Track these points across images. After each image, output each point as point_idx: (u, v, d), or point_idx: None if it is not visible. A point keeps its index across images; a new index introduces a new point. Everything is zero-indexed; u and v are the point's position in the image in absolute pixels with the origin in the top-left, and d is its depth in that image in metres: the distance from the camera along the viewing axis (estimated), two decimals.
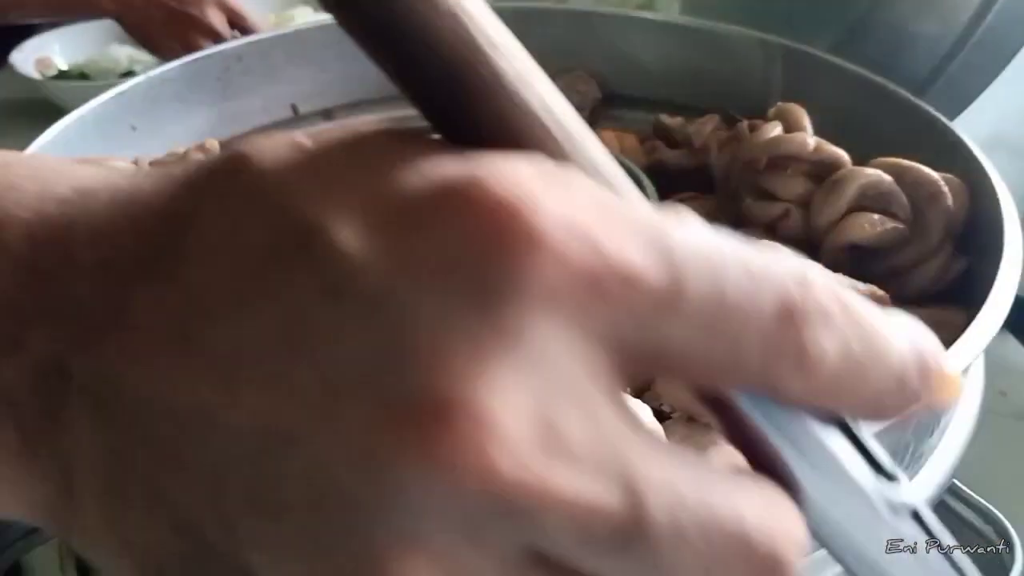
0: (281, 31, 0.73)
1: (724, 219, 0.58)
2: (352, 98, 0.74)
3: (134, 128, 0.63)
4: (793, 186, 0.52)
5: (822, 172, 0.52)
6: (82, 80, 1.02)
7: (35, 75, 1.01)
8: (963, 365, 0.40)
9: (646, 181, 0.58)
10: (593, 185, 0.18)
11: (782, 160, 0.52)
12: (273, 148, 0.18)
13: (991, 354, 0.44)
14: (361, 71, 0.73)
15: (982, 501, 0.45)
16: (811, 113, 0.59)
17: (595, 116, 0.73)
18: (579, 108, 0.72)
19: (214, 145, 0.57)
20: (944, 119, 0.57)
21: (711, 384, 0.19)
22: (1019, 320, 0.42)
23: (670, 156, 0.64)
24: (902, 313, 0.19)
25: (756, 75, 0.68)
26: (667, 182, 0.60)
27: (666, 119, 0.67)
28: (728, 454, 0.19)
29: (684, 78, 0.71)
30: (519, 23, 0.68)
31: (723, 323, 0.17)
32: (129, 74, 1.01)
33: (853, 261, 0.50)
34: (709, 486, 0.17)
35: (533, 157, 0.18)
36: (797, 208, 0.52)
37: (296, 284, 0.16)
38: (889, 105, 0.61)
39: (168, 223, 0.18)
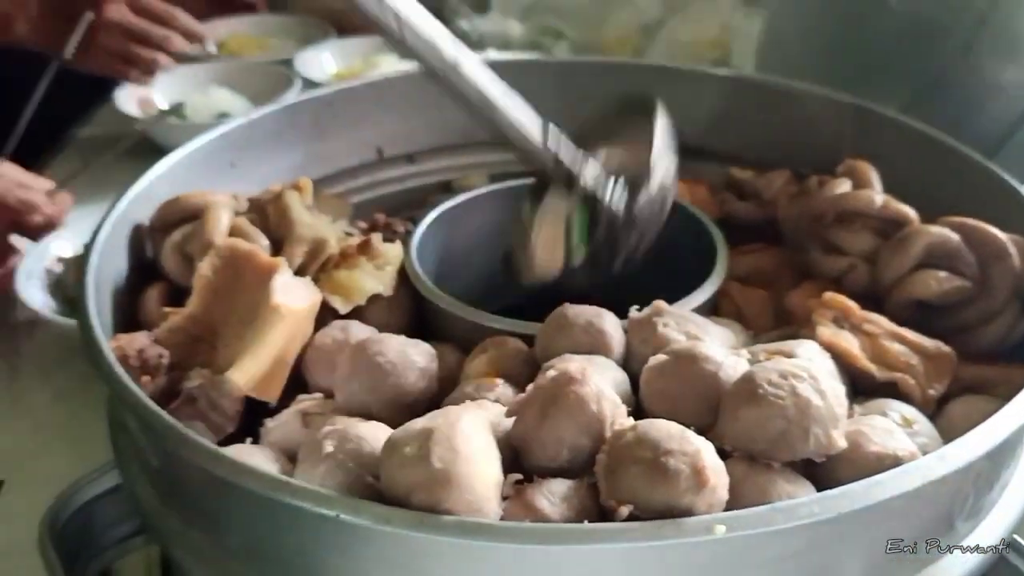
0: (369, 79, 0.77)
1: (791, 271, 0.60)
2: (434, 143, 0.78)
3: (233, 165, 0.67)
4: (860, 241, 0.53)
5: (889, 228, 0.53)
6: (180, 119, 1.08)
7: (137, 113, 1.07)
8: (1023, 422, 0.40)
9: (715, 231, 0.59)
10: None
11: (850, 215, 0.54)
12: None
13: None
14: (442, 117, 0.78)
15: None
16: (879, 170, 0.60)
17: None
18: None
19: (308, 184, 0.61)
20: (1012, 181, 0.58)
21: None
22: None
23: (740, 208, 0.66)
24: None
25: (827, 132, 0.69)
26: (736, 233, 0.62)
27: (737, 172, 0.69)
28: None
29: (755, 133, 0.73)
30: (597, 75, 0.72)
31: None
32: (224, 115, 1.07)
33: (919, 317, 0.51)
34: None
35: None
36: (863, 263, 0.53)
37: None
38: (958, 165, 0.61)
39: None
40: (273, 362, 0.48)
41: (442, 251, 0.63)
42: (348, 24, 1.35)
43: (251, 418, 0.49)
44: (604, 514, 0.36)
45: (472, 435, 0.35)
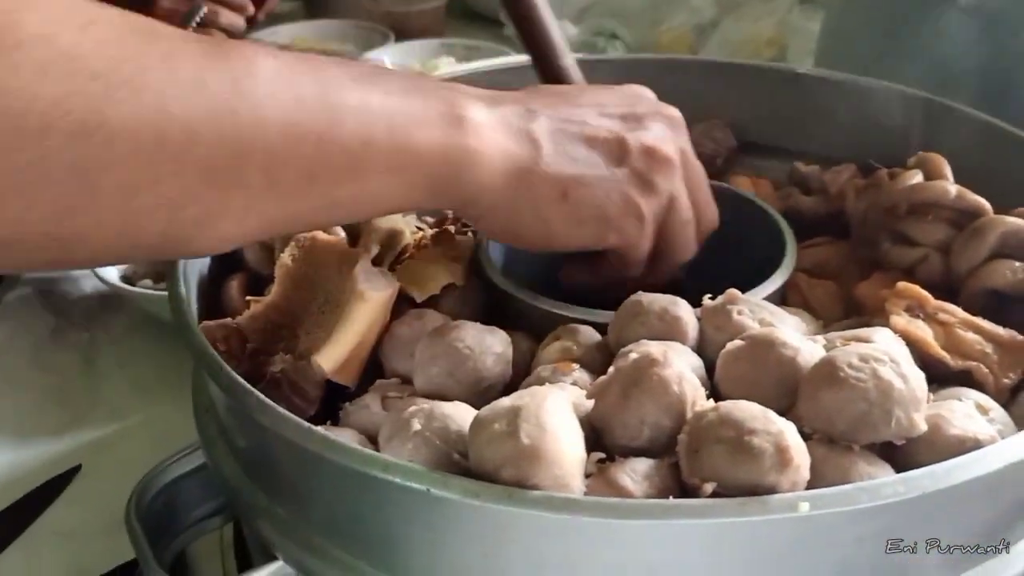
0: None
1: (858, 263, 0.60)
2: None
3: None
4: (934, 232, 0.53)
5: (963, 219, 0.53)
6: None
7: None
8: None
9: (783, 224, 0.60)
10: None
11: (923, 207, 0.54)
12: None
13: None
14: None
15: None
16: (951, 165, 0.60)
17: (730, 163, 0.76)
18: (714, 155, 0.75)
19: None
20: None
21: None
22: None
23: (805, 202, 0.66)
24: None
25: (894, 127, 0.69)
26: (800, 228, 0.62)
27: (801, 167, 0.69)
28: None
29: (820, 129, 0.73)
30: (658, 72, 0.73)
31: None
32: None
33: (993, 307, 0.51)
34: None
35: None
36: (937, 253, 0.53)
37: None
38: None
39: None
40: (355, 347, 0.49)
41: (508, 248, 0.64)
42: (407, 28, 1.37)
43: (329, 403, 0.51)
44: (687, 493, 0.37)
45: (558, 413, 0.36)
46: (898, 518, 0.36)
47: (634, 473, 0.37)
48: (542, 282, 0.68)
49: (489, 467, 0.36)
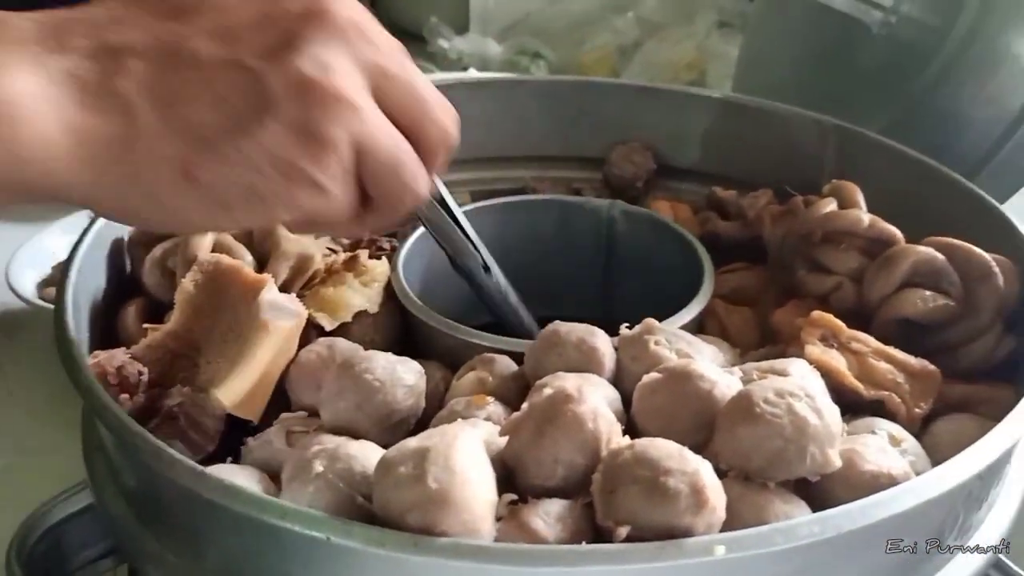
0: None
1: (775, 289, 0.60)
2: None
3: None
4: (847, 260, 0.54)
5: (876, 248, 0.53)
6: None
7: None
8: (1012, 442, 0.41)
9: (701, 250, 0.60)
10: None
11: (837, 235, 0.54)
12: None
13: None
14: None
15: None
16: (863, 191, 0.60)
17: (650, 187, 0.75)
18: (633, 178, 0.75)
19: None
20: (994, 202, 0.59)
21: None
22: None
23: (723, 227, 0.66)
24: None
25: (809, 154, 0.70)
26: (718, 253, 0.62)
27: (720, 192, 0.70)
28: None
29: (738, 154, 0.73)
30: (577, 95, 0.72)
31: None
32: None
33: (904, 335, 0.51)
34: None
35: None
36: (850, 281, 0.53)
37: None
38: (941, 187, 0.62)
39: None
40: (258, 380, 0.47)
41: (427, 268, 0.63)
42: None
43: (231, 438, 0.48)
44: (600, 535, 0.36)
45: (468, 454, 0.35)
46: (814, 557, 0.35)
47: (547, 515, 0.35)
48: (464, 305, 0.66)
49: (395, 513, 0.34)
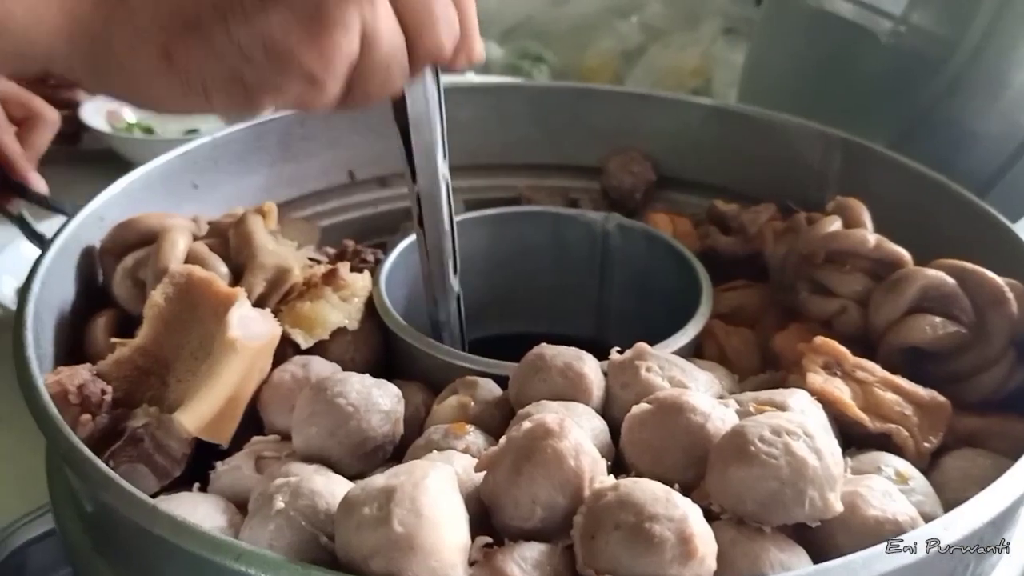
0: None
1: (776, 309, 0.57)
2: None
3: (195, 186, 0.64)
4: (851, 283, 0.51)
5: (882, 270, 0.51)
6: (148, 135, 1.04)
7: (105, 127, 1.04)
8: None
9: (700, 269, 0.57)
10: None
11: (841, 255, 0.51)
12: None
13: None
14: None
15: None
16: (869, 208, 0.58)
17: (649, 197, 0.73)
18: (632, 189, 0.72)
19: (272, 209, 0.58)
20: (1006, 221, 0.56)
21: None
22: None
23: (723, 243, 0.64)
24: None
25: (814, 166, 0.67)
26: (719, 268, 0.60)
27: (721, 205, 0.67)
28: None
29: (740, 165, 0.71)
30: (578, 101, 0.69)
31: None
32: (193, 131, 1.04)
33: (912, 363, 0.49)
34: None
35: None
36: (855, 305, 0.51)
37: None
38: (949, 204, 0.60)
39: None
40: (226, 402, 0.44)
41: (412, 281, 0.60)
42: None
43: (202, 458, 0.46)
44: None
45: (438, 496, 0.32)
46: None
47: (523, 561, 0.33)
48: None
49: (357, 556, 0.31)
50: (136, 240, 0.55)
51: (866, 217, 0.55)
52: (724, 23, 1.31)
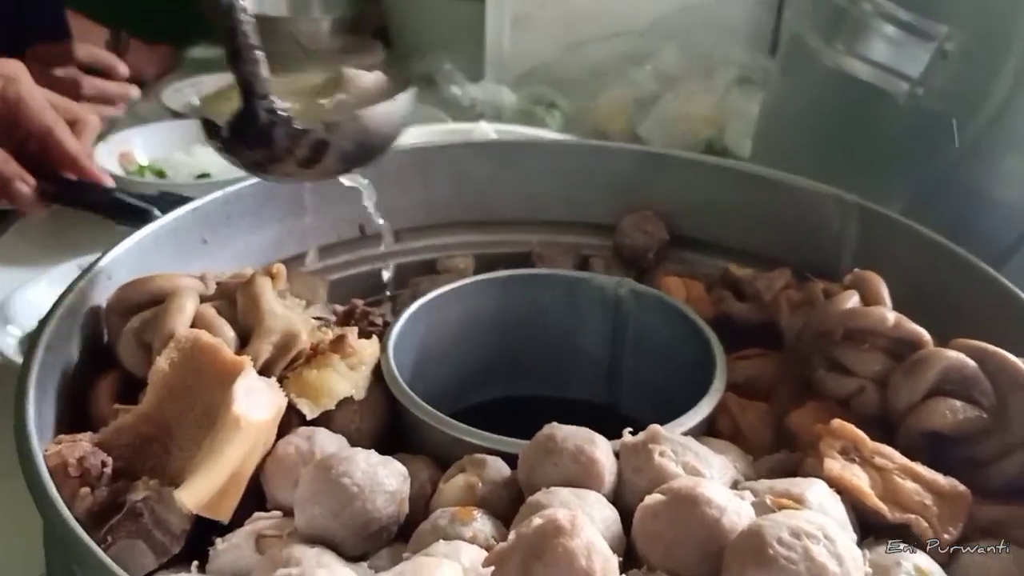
0: None
1: (791, 381, 0.56)
2: (419, 221, 0.74)
3: (205, 242, 0.64)
4: (870, 362, 0.50)
5: (901, 350, 0.50)
6: (159, 178, 1.04)
7: (118, 170, 1.04)
8: None
9: (713, 338, 0.56)
10: None
11: (860, 333, 0.50)
12: None
13: None
14: (429, 195, 0.74)
15: None
16: (885, 276, 0.57)
17: (662, 257, 0.72)
18: (645, 248, 0.72)
19: (281, 270, 0.57)
20: (1020, 293, 0.55)
21: None
22: None
23: (738, 309, 0.63)
24: None
25: (830, 230, 0.66)
26: (732, 334, 0.59)
27: (735, 270, 0.66)
28: None
29: (755, 227, 0.70)
30: (591, 158, 0.68)
31: None
32: (204, 175, 1.04)
33: (932, 448, 0.48)
34: None
35: None
36: (873, 385, 0.50)
37: None
38: (967, 276, 0.59)
39: None
40: (228, 479, 0.43)
41: (421, 344, 0.59)
42: None
43: (202, 530, 0.45)
44: None
45: None
46: None
47: None
48: (461, 385, 0.63)
49: None
50: (143, 301, 0.54)
51: (884, 292, 0.54)
52: (739, 72, 1.31)
